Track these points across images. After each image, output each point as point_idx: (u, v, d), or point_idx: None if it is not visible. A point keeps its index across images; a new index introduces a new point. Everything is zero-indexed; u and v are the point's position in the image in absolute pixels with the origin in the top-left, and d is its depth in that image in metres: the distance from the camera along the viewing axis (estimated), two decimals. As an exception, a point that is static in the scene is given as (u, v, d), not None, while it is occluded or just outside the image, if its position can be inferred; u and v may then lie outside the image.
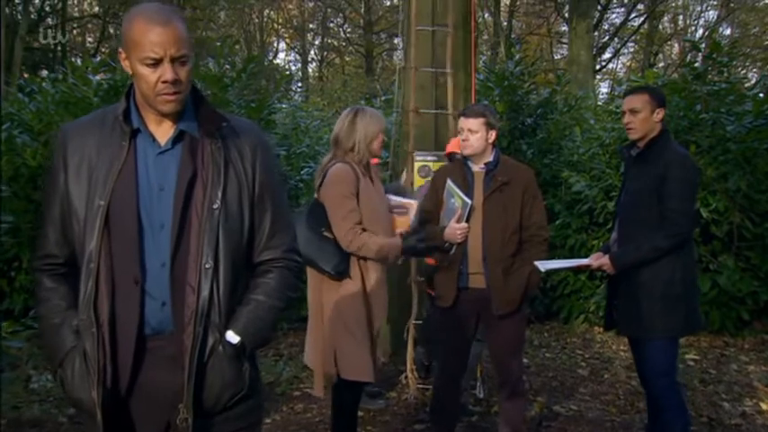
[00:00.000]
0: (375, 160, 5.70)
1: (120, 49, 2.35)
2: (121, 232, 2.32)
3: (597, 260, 4.48)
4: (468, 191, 4.48)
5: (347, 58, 35.00)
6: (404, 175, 6.24)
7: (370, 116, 4.41)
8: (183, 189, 2.36)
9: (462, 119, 4.58)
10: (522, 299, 4.49)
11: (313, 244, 4.25)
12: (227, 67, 9.30)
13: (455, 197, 4.47)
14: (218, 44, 10.12)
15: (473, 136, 4.50)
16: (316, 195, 4.43)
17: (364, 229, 4.25)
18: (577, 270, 8.19)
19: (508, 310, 4.45)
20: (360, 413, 5.55)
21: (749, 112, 8.20)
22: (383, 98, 14.00)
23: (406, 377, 6.17)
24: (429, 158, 6.28)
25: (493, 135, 4.54)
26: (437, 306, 4.69)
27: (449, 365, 4.67)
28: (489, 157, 4.57)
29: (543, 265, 4.49)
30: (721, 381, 6.71)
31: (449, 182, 4.53)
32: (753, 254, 8.13)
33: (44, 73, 20.62)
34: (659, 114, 4.36)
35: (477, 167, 4.57)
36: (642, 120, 4.36)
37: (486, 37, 29.72)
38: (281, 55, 37.41)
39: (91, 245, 2.30)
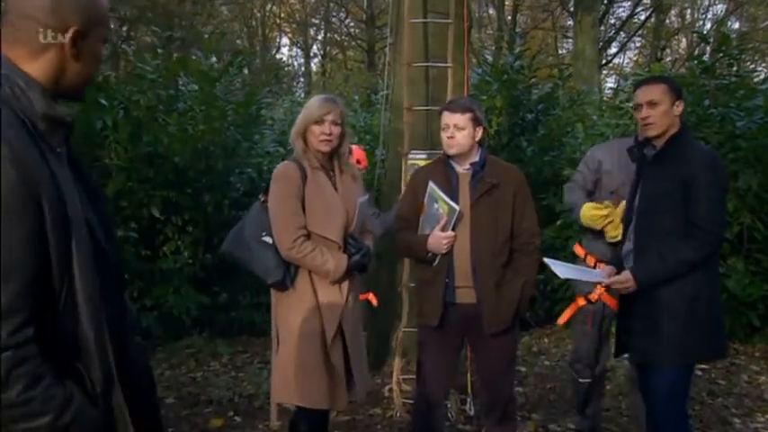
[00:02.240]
0: (355, 157, 5.20)
1: (74, 27, 1.88)
2: (93, 255, 1.89)
3: (612, 276, 3.97)
4: (453, 195, 4.04)
5: (350, 53, 34.64)
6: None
7: (309, 103, 3.98)
8: (102, 195, 2.05)
9: (447, 114, 4.13)
10: (514, 314, 4.08)
11: (249, 250, 3.87)
12: (214, 59, 8.92)
13: (439, 202, 4.02)
14: (206, 37, 9.76)
15: (460, 133, 4.05)
16: (262, 197, 4.00)
17: (308, 236, 3.83)
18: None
19: (501, 327, 4.04)
20: (338, 433, 5.20)
21: (760, 107, 7.83)
22: (382, 93, 13.67)
23: (390, 390, 5.75)
24: (419, 157, 5.86)
25: (480, 132, 4.11)
26: (420, 324, 4.27)
27: (432, 389, 4.21)
28: (475, 157, 4.13)
29: (554, 265, 4.08)
30: (731, 393, 6.32)
31: (431, 185, 4.07)
32: (763, 256, 7.77)
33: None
34: (679, 107, 3.87)
35: (462, 168, 4.14)
36: (662, 113, 3.83)
37: (490, 31, 29.37)
38: (284, 50, 37.09)
39: (82, 278, 1.83)
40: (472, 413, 5.44)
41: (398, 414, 5.55)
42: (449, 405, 5.47)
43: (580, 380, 5.01)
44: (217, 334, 8.16)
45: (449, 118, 4.10)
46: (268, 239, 3.85)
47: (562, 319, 4.69)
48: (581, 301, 4.69)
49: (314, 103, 3.96)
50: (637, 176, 4.09)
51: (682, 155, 3.80)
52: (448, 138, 4.08)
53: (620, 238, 4.41)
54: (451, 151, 4.09)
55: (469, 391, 5.51)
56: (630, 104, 8.30)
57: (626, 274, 3.86)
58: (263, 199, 3.97)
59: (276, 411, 4.03)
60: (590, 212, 4.76)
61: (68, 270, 1.80)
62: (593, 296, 4.54)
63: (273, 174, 3.91)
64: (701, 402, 6.01)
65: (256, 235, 3.88)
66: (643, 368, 4.05)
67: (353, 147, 5.39)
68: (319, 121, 3.88)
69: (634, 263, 3.91)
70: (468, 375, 5.56)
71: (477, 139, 4.10)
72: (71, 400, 1.77)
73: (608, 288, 4.40)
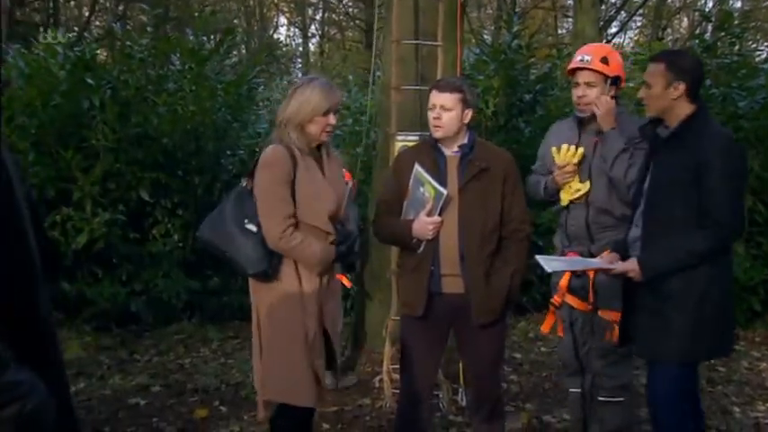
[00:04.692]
0: None
1: None
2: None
3: (615, 262, 3.74)
4: (441, 178, 3.81)
5: (348, 33, 34.30)
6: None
7: (311, 91, 3.65)
8: None
9: (435, 93, 3.89)
10: (504, 305, 3.87)
11: (231, 237, 3.64)
12: (205, 38, 8.73)
13: (425, 185, 3.79)
14: (197, 15, 9.54)
15: (447, 114, 3.82)
16: (245, 181, 3.78)
17: (296, 225, 3.62)
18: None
19: (490, 318, 3.83)
20: (326, 425, 5.03)
21: (762, 87, 7.70)
22: (378, 74, 13.48)
23: (380, 380, 5.58)
24: (411, 138, 5.66)
25: (469, 115, 3.88)
26: (403, 315, 4.07)
27: (417, 383, 4.00)
28: (464, 139, 3.91)
29: (547, 262, 3.85)
30: (731, 380, 6.17)
31: (417, 167, 3.84)
32: (765, 240, 7.64)
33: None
34: (678, 89, 3.58)
35: (451, 151, 3.91)
36: (654, 96, 3.63)
37: (489, 11, 29.05)
38: (282, 30, 36.75)
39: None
40: (464, 404, 5.28)
41: (388, 404, 5.37)
42: (440, 396, 5.33)
43: (569, 389, 4.68)
44: (207, 319, 8.04)
45: (436, 97, 3.87)
46: (252, 227, 3.64)
47: (545, 327, 4.42)
48: (552, 306, 4.39)
49: (327, 92, 3.71)
50: (647, 158, 3.86)
51: (695, 139, 3.55)
52: (434, 119, 3.86)
53: (567, 201, 4.26)
54: (437, 134, 3.87)
55: (461, 381, 5.34)
56: (631, 84, 8.16)
57: (631, 263, 3.64)
58: (245, 183, 3.77)
59: (262, 404, 3.85)
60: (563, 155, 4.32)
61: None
62: (556, 299, 4.27)
63: (262, 159, 3.68)
64: (700, 390, 5.83)
65: (239, 222, 3.67)
66: (646, 362, 3.84)
67: None
68: (327, 112, 3.70)
69: (641, 251, 3.69)
70: (461, 365, 5.39)
71: (465, 121, 3.88)
72: (35, 386, 1.63)
73: (570, 288, 4.21)
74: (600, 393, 4.40)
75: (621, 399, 4.33)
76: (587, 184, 4.23)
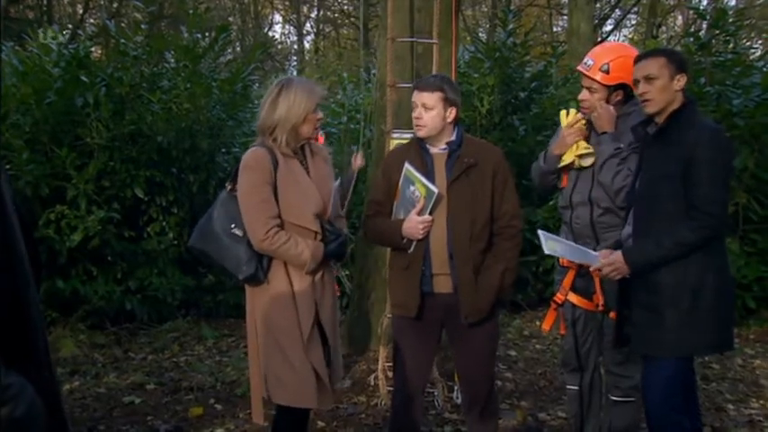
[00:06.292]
0: (321, 139, 4.99)
1: None
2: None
3: (606, 258, 3.71)
4: (429, 177, 3.77)
5: (343, 31, 34.27)
6: (357, 159, 5.55)
7: (296, 92, 3.64)
8: None
9: (416, 92, 3.85)
10: (494, 303, 3.83)
11: (219, 243, 3.65)
12: (199, 36, 8.70)
13: (416, 184, 3.74)
14: (190, 12, 9.48)
15: (428, 114, 3.78)
16: (228, 186, 3.79)
17: (282, 225, 3.62)
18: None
19: (479, 317, 3.79)
20: (321, 423, 5.03)
21: (757, 85, 7.67)
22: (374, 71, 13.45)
23: (376, 378, 5.58)
24: (406, 135, 5.65)
25: (452, 113, 3.82)
26: (396, 315, 4.04)
27: (410, 382, 3.97)
28: (451, 136, 3.87)
29: (546, 241, 3.85)
30: (725, 378, 6.19)
31: (407, 166, 3.80)
32: (759, 237, 7.64)
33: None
34: (680, 81, 3.59)
35: (438, 149, 3.87)
36: (660, 88, 3.57)
37: (484, 9, 29.05)
38: (277, 27, 36.70)
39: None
40: (459, 401, 5.27)
41: (383, 402, 5.36)
42: (435, 393, 5.33)
43: (567, 386, 4.64)
44: (202, 317, 8.05)
45: (417, 97, 3.83)
46: (238, 232, 3.65)
47: (546, 325, 4.36)
48: (554, 304, 4.32)
49: (310, 89, 3.72)
50: (639, 157, 3.85)
51: (683, 133, 3.55)
52: (416, 118, 3.83)
53: (570, 160, 4.20)
54: (420, 133, 3.84)
55: (456, 378, 5.34)
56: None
57: (616, 255, 3.63)
58: (229, 188, 3.76)
59: (260, 406, 3.85)
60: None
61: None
62: (559, 297, 4.22)
63: (243, 162, 3.68)
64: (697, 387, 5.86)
65: (226, 227, 3.67)
66: (642, 357, 3.82)
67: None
68: (316, 109, 3.71)
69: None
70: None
71: (449, 120, 3.84)
72: (24, 389, 1.61)
73: (573, 287, 4.17)
74: (614, 393, 4.36)
75: (633, 399, 4.32)
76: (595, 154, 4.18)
